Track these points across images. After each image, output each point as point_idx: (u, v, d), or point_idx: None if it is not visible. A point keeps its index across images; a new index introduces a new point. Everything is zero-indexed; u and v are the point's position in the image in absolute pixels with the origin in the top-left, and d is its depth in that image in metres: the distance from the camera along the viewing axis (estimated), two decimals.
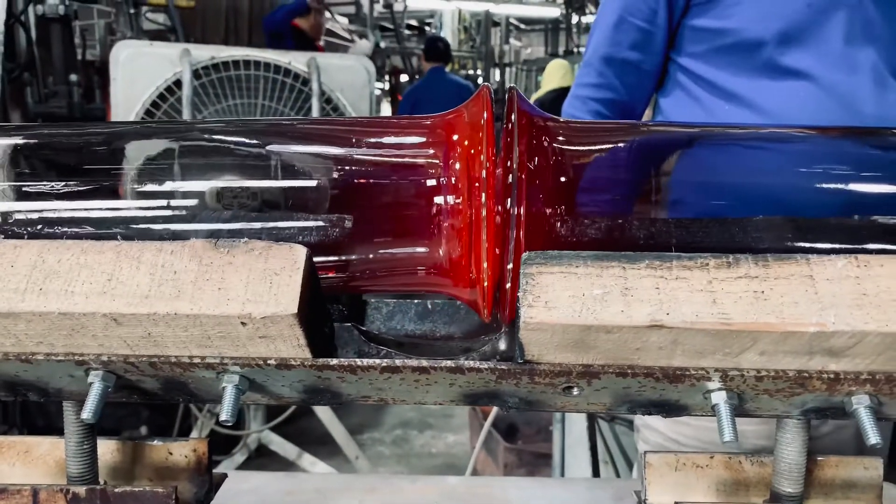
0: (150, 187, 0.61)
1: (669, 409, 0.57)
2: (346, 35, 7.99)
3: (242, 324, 0.51)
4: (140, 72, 2.52)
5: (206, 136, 0.65)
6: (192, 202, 0.61)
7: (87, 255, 0.54)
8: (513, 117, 0.57)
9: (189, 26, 4.39)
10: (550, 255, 0.52)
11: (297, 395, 0.60)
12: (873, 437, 0.50)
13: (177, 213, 0.60)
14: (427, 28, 10.83)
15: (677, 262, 0.51)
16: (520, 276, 0.51)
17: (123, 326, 0.53)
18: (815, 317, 0.48)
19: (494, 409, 2.40)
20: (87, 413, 0.55)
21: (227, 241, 0.54)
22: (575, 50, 9.76)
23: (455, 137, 0.58)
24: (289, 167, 0.62)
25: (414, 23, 10.84)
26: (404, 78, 8.40)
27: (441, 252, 0.58)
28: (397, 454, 3.56)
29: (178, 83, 2.52)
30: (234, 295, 0.51)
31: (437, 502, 0.93)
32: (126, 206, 0.61)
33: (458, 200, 0.56)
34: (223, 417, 0.55)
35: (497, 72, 10.77)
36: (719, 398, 0.53)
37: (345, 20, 8.64)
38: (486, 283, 0.56)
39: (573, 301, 0.50)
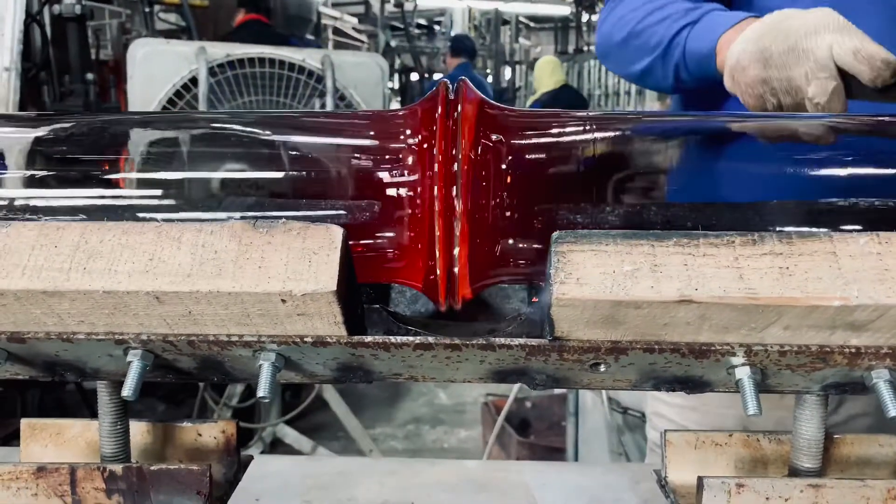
0: (156, 175, 0.63)
1: (693, 385, 0.58)
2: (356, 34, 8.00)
3: (283, 301, 0.53)
4: (157, 69, 2.55)
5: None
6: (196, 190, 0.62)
7: (129, 235, 0.56)
8: (458, 107, 0.58)
9: (202, 25, 4.41)
10: (580, 233, 0.53)
11: (330, 374, 0.61)
12: (893, 409, 0.51)
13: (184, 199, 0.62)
14: (437, 27, 10.83)
15: (704, 239, 0.52)
16: (550, 254, 0.52)
17: (165, 305, 0.54)
18: (839, 291, 0.49)
19: (507, 404, 2.41)
20: (127, 391, 0.56)
21: (266, 222, 0.55)
22: (585, 48, 9.75)
23: (409, 132, 0.59)
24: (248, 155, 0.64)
25: (423, 21, 10.84)
26: (415, 76, 8.40)
27: (393, 243, 0.58)
28: (410, 449, 3.58)
29: (193, 80, 2.55)
30: (275, 273, 0.53)
31: (456, 484, 0.95)
32: (131, 194, 0.62)
33: (409, 193, 0.57)
34: (261, 394, 0.56)
35: (507, 70, 10.75)
36: (743, 373, 0.54)
37: (354, 20, 8.65)
38: (438, 273, 0.57)
39: (604, 277, 0.51)
